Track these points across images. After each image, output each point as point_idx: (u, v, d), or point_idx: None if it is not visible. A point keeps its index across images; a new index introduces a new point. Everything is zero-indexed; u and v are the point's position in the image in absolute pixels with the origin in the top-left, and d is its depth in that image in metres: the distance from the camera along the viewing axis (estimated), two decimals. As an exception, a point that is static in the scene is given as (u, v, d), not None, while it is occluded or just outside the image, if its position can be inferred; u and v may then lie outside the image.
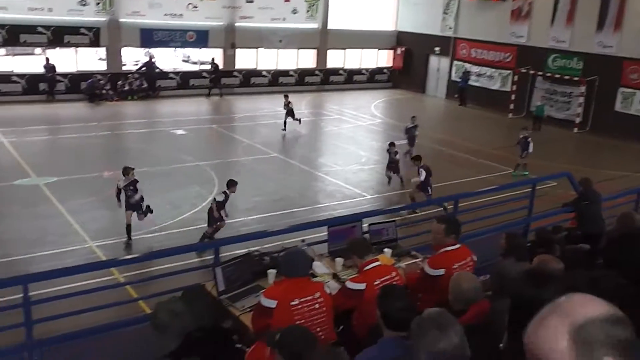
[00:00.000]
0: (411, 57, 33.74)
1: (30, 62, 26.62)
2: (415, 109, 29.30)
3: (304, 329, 3.76)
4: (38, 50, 28.40)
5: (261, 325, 4.76)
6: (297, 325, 4.20)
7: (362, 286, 5.13)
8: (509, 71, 28.43)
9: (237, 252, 6.79)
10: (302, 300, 4.66)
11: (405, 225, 7.71)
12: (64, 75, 25.68)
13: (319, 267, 6.02)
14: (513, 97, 27.60)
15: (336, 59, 33.08)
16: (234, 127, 23.34)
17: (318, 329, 4.64)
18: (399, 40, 34.32)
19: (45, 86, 25.11)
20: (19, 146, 17.88)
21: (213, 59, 28.61)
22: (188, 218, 13.04)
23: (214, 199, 12.04)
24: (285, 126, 21.90)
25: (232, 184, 11.94)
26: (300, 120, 22.07)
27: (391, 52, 34.50)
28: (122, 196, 11.90)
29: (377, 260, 5.33)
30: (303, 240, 6.47)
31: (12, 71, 24.99)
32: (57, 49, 25.96)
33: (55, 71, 25.24)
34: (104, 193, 14.41)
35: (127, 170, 11.98)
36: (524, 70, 27.25)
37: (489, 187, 11.84)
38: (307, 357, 2.89)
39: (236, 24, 29.31)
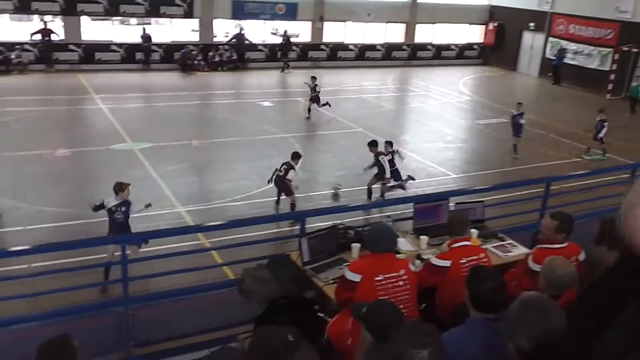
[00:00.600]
0: (503, 33, 32.53)
1: (128, 32, 27.66)
2: (506, 87, 28.38)
3: (392, 304, 3.77)
4: (133, 20, 29.48)
5: (344, 298, 4.82)
6: (384, 300, 4.22)
7: (447, 263, 5.09)
8: (609, 49, 26.87)
9: (321, 225, 6.87)
10: (386, 276, 4.66)
11: (493, 206, 7.52)
12: (159, 45, 26.60)
13: (403, 244, 6.01)
14: (612, 77, 26.12)
15: (425, 33, 32.39)
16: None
17: (401, 306, 4.62)
18: (492, 14, 33.12)
19: (141, 55, 26.13)
20: (116, 112, 18.74)
21: (285, 32, 28.60)
22: (272, 188, 13.28)
23: (285, 173, 11.87)
24: (309, 113, 19.70)
25: (296, 156, 12.11)
26: (329, 104, 19.37)
27: (482, 27, 33.38)
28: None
29: (467, 239, 5.26)
30: (389, 216, 6.45)
31: (112, 41, 26.14)
32: (153, 19, 26.78)
33: (151, 41, 26.20)
34: (192, 161, 14.92)
35: (120, 187, 9.18)
36: (626, 49, 25.66)
37: (583, 172, 11.32)
38: (394, 332, 2.90)
39: (325, -4, 29.25)
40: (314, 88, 19.54)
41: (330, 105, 19.31)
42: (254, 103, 21.80)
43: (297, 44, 29.63)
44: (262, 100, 21.93)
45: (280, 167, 12.06)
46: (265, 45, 29.08)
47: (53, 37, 24.30)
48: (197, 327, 5.87)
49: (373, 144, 13.25)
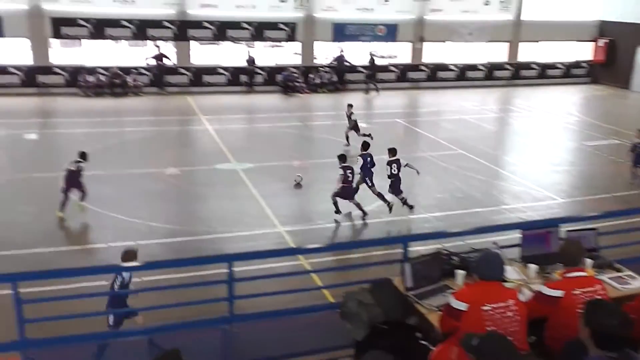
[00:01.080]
0: (615, 50, 30.89)
1: (233, 53, 28.78)
2: (618, 107, 26.86)
3: (506, 337, 3.63)
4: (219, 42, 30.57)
5: (449, 327, 4.70)
6: (498, 332, 4.07)
7: (559, 293, 4.84)
8: None
9: (420, 249, 6.77)
10: (494, 306, 4.51)
11: (608, 234, 7.09)
12: (262, 68, 27.50)
13: (511, 272, 5.79)
14: None
15: (529, 52, 31.41)
16: (419, 122, 23.25)
17: (510, 338, 4.46)
18: (602, 30, 31.59)
19: (245, 78, 27.13)
20: (221, 133, 19.50)
21: (371, 53, 28.52)
22: (372, 210, 13.25)
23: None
24: (347, 140, 18.37)
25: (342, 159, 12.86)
26: (371, 136, 17.04)
27: (591, 44, 31.88)
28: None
29: (582, 270, 4.99)
30: (495, 243, 6.24)
31: (219, 64, 27.33)
32: (257, 43, 27.75)
33: (255, 64, 27.15)
34: (293, 181, 15.20)
35: (131, 255, 7.41)
36: None
37: None
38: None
39: (425, 17, 29.10)
40: (349, 116, 18.61)
41: (372, 138, 16.82)
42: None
43: (396, 65, 29.68)
44: (361, 122, 22.01)
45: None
46: (365, 67, 29.29)
47: (166, 61, 25.80)
48: (296, 349, 5.93)
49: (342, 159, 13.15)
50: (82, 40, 25.60)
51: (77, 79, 24.87)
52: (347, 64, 28.18)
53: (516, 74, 31.34)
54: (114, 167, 15.53)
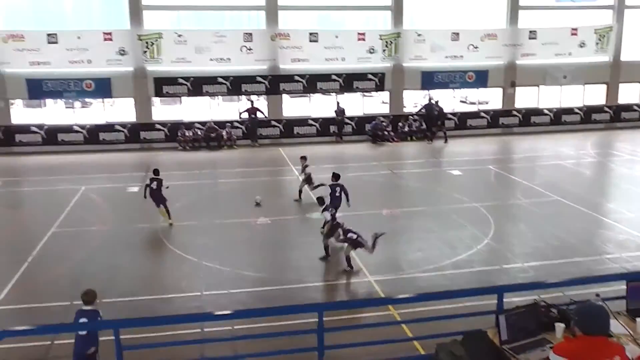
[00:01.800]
0: None
1: (323, 104, 29.40)
2: None
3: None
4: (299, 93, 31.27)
5: (549, 384, 4.42)
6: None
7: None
8: None
9: (515, 300, 6.47)
10: (598, 362, 4.21)
11: None
12: (351, 118, 27.90)
13: (615, 326, 5.40)
14: None
15: (629, 93, 30.01)
16: (512, 168, 22.60)
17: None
18: None
19: (334, 128, 27.60)
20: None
21: (437, 102, 27.99)
22: (463, 260, 12.89)
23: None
24: (300, 195, 17.73)
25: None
26: (316, 186, 16.97)
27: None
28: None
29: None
30: (597, 295, 5.87)
31: (309, 116, 28.03)
32: (346, 93, 28.26)
33: (344, 114, 27.62)
34: (383, 229, 15.07)
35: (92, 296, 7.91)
36: None
37: None
38: None
39: (517, 62, 28.64)
40: (304, 169, 18.16)
41: (315, 188, 17.04)
42: (443, 171, 21.67)
43: (486, 111, 29.26)
44: (451, 169, 21.72)
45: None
46: (454, 114, 29.04)
47: (258, 114, 26.79)
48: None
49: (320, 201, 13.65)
50: (181, 97, 27.12)
51: (176, 134, 26.27)
52: (437, 111, 28.05)
53: (616, 116, 29.99)
54: (208, 217, 16.08)
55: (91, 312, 7.64)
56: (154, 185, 15.30)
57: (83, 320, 7.51)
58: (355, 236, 12.45)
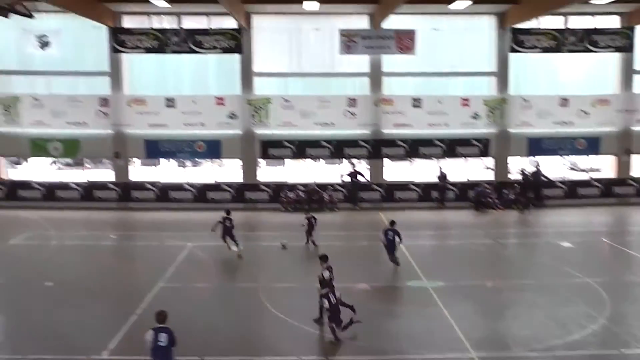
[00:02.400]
0: None
1: (424, 170, 29.16)
2: None
3: None
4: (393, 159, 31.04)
5: None
6: None
7: None
8: None
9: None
10: None
11: None
12: (454, 184, 27.44)
13: None
14: None
15: None
16: (628, 242, 21.15)
17: None
18: None
19: (436, 194, 27.22)
20: (412, 249, 19.41)
21: (523, 170, 27.20)
22: (577, 340, 12.02)
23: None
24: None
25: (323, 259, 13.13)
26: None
27: None
28: None
29: None
30: None
31: (411, 180, 27.87)
32: (448, 159, 27.93)
33: (446, 180, 27.24)
34: (486, 302, 14.46)
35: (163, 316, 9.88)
36: None
37: None
38: None
39: (632, 128, 27.25)
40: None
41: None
42: (552, 243, 20.60)
43: (598, 180, 27.82)
44: (561, 240, 20.63)
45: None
46: (563, 182, 27.83)
47: (360, 178, 26.99)
48: None
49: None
50: (285, 159, 27.95)
51: (279, 195, 26.93)
52: (544, 178, 27.03)
53: None
54: (308, 280, 16.11)
55: (167, 329, 9.59)
56: (227, 223, 18.65)
57: (164, 334, 9.48)
58: (328, 306, 12.18)
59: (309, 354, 11.52)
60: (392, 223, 17.56)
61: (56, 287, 15.73)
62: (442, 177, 27.29)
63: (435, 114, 26.88)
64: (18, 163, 31.05)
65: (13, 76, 27.24)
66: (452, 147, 27.18)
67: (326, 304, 12.24)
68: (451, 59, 27.09)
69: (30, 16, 22.99)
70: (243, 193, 27.11)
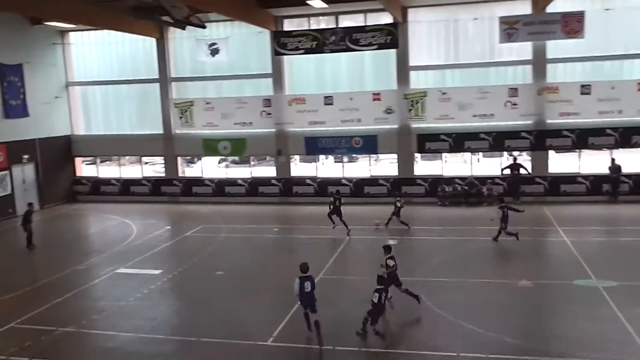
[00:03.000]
0: None
1: (593, 163, 27.10)
2: None
3: None
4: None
5: None
6: None
7: None
8: None
9: None
10: None
11: None
12: (628, 175, 25.20)
13: None
14: None
15: None
16: None
17: None
18: None
19: (608, 187, 25.19)
20: (580, 246, 18.21)
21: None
22: None
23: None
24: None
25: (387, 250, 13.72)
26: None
27: None
28: None
29: None
30: None
31: (578, 173, 26.06)
32: (622, 149, 25.66)
33: (620, 172, 25.09)
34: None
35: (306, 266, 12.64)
36: None
37: None
38: None
39: None
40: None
41: None
42: None
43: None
44: None
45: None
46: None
47: (522, 171, 25.78)
48: None
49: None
50: (442, 153, 27.51)
51: (435, 189, 26.59)
52: None
53: None
54: (462, 275, 15.79)
55: (310, 277, 12.24)
56: (337, 202, 21.47)
57: (308, 282, 12.10)
58: (375, 301, 11.98)
59: (467, 351, 11.27)
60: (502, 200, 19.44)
61: (226, 276, 16.97)
62: (615, 168, 25.15)
63: (607, 100, 24.78)
64: (192, 162, 33.86)
65: (188, 82, 29.73)
66: (627, 136, 24.88)
67: (376, 298, 12.00)
68: (625, 40, 24.84)
69: (203, 27, 25.07)
70: (399, 187, 27.08)
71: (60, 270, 17.97)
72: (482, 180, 26.41)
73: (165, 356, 11.65)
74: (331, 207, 21.62)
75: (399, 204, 21.74)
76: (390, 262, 13.52)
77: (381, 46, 25.82)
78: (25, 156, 27.95)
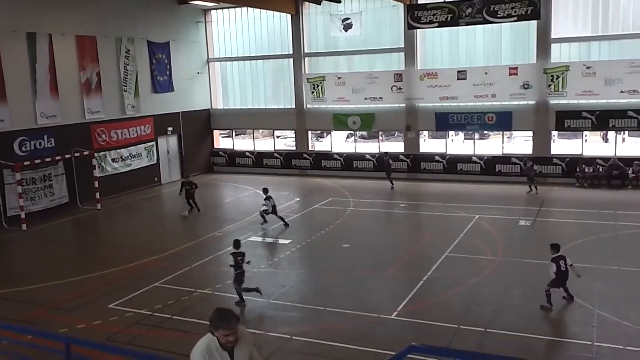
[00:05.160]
0: None
1: None
2: None
3: None
4: None
5: None
6: None
7: None
8: None
9: None
10: None
11: None
12: None
13: None
14: None
15: None
16: None
17: None
18: None
19: None
20: None
21: None
22: None
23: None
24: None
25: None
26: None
27: None
28: None
29: None
30: None
31: None
32: None
33: None
34: None
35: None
36: None
37: None
38: None
39: None
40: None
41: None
42: None
43: None
44: None
45: None
46: None
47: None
48: None
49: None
50: (583, 131, 25.79)
51: (574, 170, 25.06)
52: None
53: None
54: (605, 262, 14.82)
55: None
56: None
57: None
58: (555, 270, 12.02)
59: (605, 342, 10.64)
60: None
61: (352, 249, 17.25)
62: None
63: None
64: (321, 136, 34.51)
65: (320, 58, 30.18)
66: None
67: (554, 268, 11.98)
68: None
69: (338, 1, 25.25)
70: (532, 166, 25.81)
71: (200, 235, 19.22)
72: (628, 161, 24.47)
73: (293, 323, 12.12)
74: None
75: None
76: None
77: (521, 17, 24.55)
78: (170, 128, 29.93)
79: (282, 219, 19.82)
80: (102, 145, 25.69)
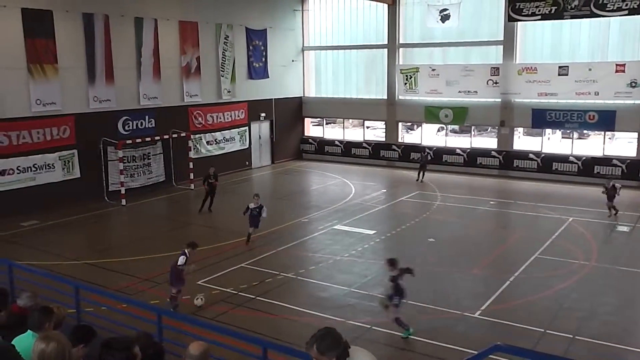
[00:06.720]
0: None
1: None
2: None
3: None
4: None
5: None
6: None
7: None
8: None
9: None
10: None
11: None
12: None
13: None
14: None
15: None
16: None
17: None
18: None
19: None
20: None
21: None
22: None
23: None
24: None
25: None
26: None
27: None
28: None
29: None
30: None
31: None
32: None
33: None
34: None
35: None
36: None
37: None
38: None
39: None
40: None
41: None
42: None
43: None
44: None
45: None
46: None
47: None
48: None
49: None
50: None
51: (683, 176, 23.46)
52: None
53: None
54: None
55: None
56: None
57: None
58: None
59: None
60: None
61: (437, 243, 17.03)
62: None
63: None
64: (411, 129, 34.11)
65: (415, 49, 29.80)
66: None
67: None
68: None
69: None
70: (637, 170, 24.38)
71: (286, 220, 19.59)
72: None
73: (374, 313, 12.11)
74: None
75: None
76: None
77: (633, 11, 23.13)
78: (263, 114, 30.59)
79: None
80: (198, 128, 26.70)
